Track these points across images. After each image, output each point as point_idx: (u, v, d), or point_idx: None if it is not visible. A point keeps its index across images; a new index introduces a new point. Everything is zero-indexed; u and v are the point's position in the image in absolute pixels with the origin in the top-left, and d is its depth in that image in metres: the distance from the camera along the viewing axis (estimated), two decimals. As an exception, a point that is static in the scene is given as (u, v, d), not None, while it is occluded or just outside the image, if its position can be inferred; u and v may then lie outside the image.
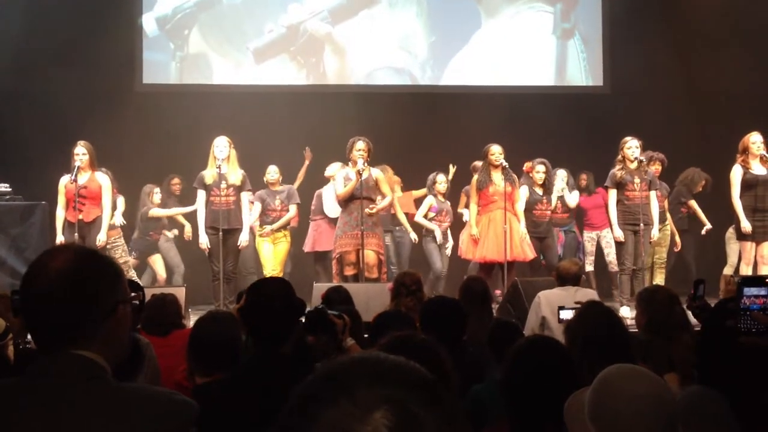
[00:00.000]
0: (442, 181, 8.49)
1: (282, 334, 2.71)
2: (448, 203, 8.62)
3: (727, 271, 7.97)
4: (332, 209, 8.08)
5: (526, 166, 8.08)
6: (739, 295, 2.73)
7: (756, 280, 2.90)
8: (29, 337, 3.18)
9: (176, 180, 9.08)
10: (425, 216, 8.45)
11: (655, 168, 8.05)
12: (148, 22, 10.06)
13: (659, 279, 8.09)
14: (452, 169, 8.86)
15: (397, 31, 10.36)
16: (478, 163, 8.34)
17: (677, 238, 8.49)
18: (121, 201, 8.22)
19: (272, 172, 8.16)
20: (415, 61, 10.40)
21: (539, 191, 7.98)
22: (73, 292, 1.58)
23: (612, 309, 3.19)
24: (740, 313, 2.66)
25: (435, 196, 8.48)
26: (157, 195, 8.71)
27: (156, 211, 8.65)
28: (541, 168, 7.98)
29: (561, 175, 8.27)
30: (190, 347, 3.21)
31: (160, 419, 1.55)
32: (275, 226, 8.04)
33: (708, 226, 8.54)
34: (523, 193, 7.84)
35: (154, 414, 1.55)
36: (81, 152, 6.98)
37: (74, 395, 1.54)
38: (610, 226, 7.63)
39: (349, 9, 10.27)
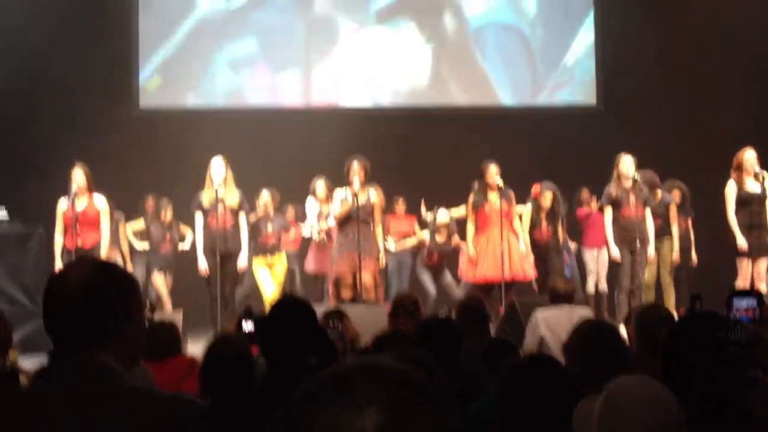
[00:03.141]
0: (442, 217, 8.44)
1: (299, 353, 2.72)
2: (453, 241, 8.48)
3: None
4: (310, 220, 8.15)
5: (534, 190, 8.01)
6: (729, 307, 2.76)
7: (745, 293, 2.92)
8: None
9: (150, 198, 9.04)
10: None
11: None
12: (144, 45, 10.14)
13: (669, 299, 7.96)
14: (423, 207, 8.74)
15: (393, 50, 10.43)
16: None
17: (676, 255, 8.40)
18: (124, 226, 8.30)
19: (266, 197, 8.13)
20: (410, 83, 10.49)
21: (541, 215, 7.93)
22: (90, 298, 1.69)
23: (609, 323, 3.20)
24: (730, 325, 2.68)
25: (433, 237, 8.47)
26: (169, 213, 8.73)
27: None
28: (548, 194, 7.95)
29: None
30: (205, 370, 3.23)
31: (174, 417, 1.65)
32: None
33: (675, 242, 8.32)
34: (526, 215, 7.84)
35: (169, 413, 1.65)
36: (78, 176, 6.95)
37: (92, 398, 1.64)
38: (607, 245, 7.62)
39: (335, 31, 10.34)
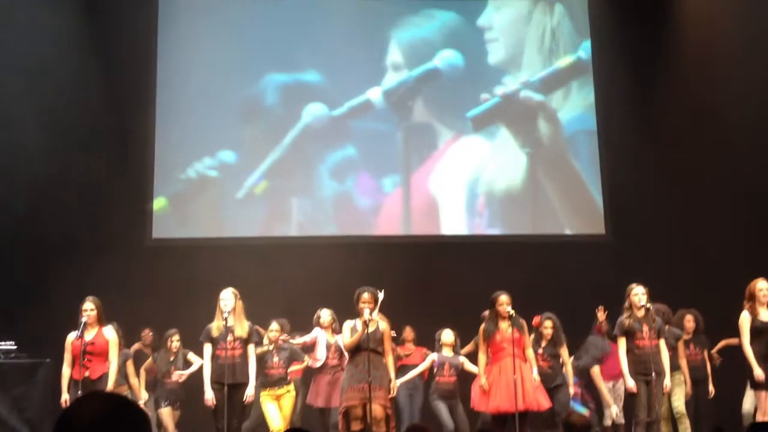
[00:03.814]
0: (447, 334, 8.44)
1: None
2: (459, 358, 8.45)
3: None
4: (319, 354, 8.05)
5: (535, 320, 8.09)
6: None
7: (765, 426, 2.85)
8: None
9: (147, 330, 8.96)
10: (432, 371, 8.41)
11: (690, 325, 8.17)
12: (160, 185, 10.35)
13: (686, 431, 7.86)
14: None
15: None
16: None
17: (688, 387, 8.27)
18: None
19: (273, 330, 8.04)
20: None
21: (542, 343, 8.02)
22: None
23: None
24: None
25: (441, 352, 8.43)
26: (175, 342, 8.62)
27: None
28: (548, 324, 8.07)
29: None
30: None
31: None
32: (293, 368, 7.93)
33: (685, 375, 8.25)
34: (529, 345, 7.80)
35: None
36: (89, 308, 6.98)
37: None
38: (623, 376, 7.49)
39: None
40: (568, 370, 8.11)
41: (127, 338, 8.19)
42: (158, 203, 10.33)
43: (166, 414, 8.53)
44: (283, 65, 10.73)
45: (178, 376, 8.47)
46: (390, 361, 7.34)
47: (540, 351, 7.97)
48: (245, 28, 10.79)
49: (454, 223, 10.66)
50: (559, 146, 10.90)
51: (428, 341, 8.69)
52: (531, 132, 10.86)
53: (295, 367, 8.00)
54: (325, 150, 10.64)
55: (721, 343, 8.58)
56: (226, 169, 10.49)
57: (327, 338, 8.10)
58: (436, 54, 10.94)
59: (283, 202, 10.54)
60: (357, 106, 10.75)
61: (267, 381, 7.75)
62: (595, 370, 8.33)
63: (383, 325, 7.34)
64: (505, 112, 10.88)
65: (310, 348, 8.26)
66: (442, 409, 8.25)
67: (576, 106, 11.01)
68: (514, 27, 11.10)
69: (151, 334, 9.03)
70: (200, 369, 7.51)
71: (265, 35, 10.76)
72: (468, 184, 10.72)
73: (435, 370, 8.37)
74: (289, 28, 10.77)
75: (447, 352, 8.43)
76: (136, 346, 8.96)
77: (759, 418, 7.11)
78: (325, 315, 8.13)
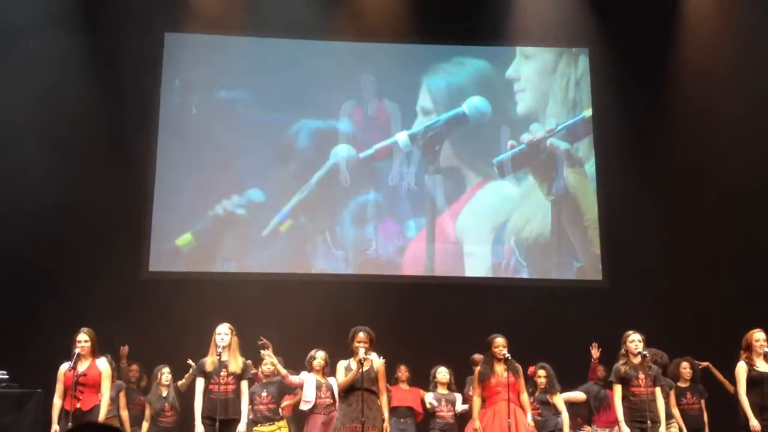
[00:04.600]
0: (442, 373, 8.44)
1: None
2: (455, 395, 8.47)
3: None
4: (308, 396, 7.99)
5: (530, 370, 8.12)
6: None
7: None
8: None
9: (135, 366, 8.87)
10: (430, 409, 8.35)
11: (687, 372, 8.21)
12: (158, 211, 10.38)
13: None
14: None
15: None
16: (477, 356, 8.38)
17: None
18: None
19: (267, 365, 8.00)
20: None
21: (536, 393, 8.04)
22: None
23: None
24: None
25: (435, 390, 8.38)
26: (165, 375, 8.52)
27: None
28: (542, 372, 8.12)
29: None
30: None
31: None
32: (285, 404, 7.85)
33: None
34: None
35: None
36: (83, 339, 6.94)
37: None
38: (618, 423, 7.46)
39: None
40: (564, 418, 8.07)
41: (120, 370, 8.12)
42: (183, 239, 10.40)
43: None
44: (316, 111, 10.94)
45: (180, 384, 8.35)
46: (384, 400, 7.31)
47: (531, 399, 7.94)
48: (276, 72, 10.95)
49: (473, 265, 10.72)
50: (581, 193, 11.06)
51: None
52: (556, 179, 11.04)
53: (286, 402, 7.93)
54: (350, 191, 10.77)
55: (705, 364, 8.54)
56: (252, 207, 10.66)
57: (317, 379, 8.03)
58: (464, 100, 11.16)
59: (304, 240, 10.65)
60: (383, 148, 10.92)
61: (256, 417, 7.69)
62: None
63: (377, 363, 7.33)
64: (532, 158, 11.07)
65: (291, 389, 8.15)
66: None
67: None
68: (541, 77, 11.34)
69: (138, 370, 8.90)
70: (192, 403, 7.44)
71: (296, 79, 10.95)
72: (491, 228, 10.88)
73: (430, 406, 8.34)
74: (323, 73, 10.98)
75: (442, 390, 8.39)
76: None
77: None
78: (319, 357, 8.06)
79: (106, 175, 9.82)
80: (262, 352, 7.78)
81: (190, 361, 8.15)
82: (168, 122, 10.70)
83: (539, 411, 7.99)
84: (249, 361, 7.48)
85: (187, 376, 8.31)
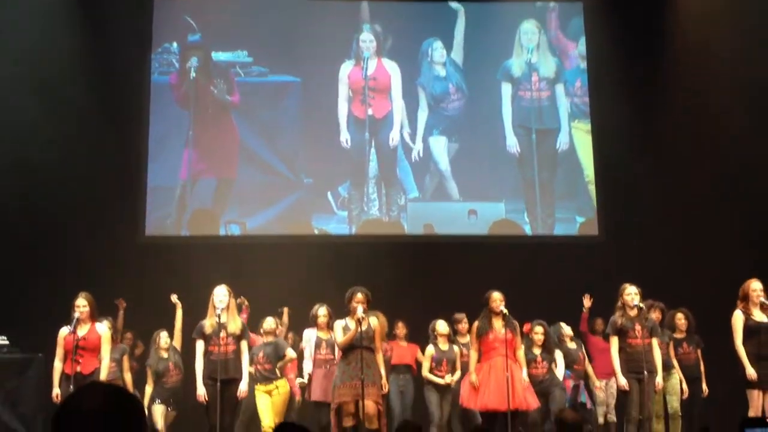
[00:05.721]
0: (442, 326, 8.46)
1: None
2: (455, 348, 8.48)
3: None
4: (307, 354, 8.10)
5: (525, 327, 8.12)
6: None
7: (757, 421, 2.88)
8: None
9: (129, 334, 8.88)
10: (430, 369, 8.40)
11: (656, 315, 8.06)
12: (151, 174, 10.36)
13: (677, 430, 7.87)
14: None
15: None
16: (459, 315, 8.54)
17: (684, 386, 8.30)
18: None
19: (269, 322, 8.07)
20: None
21: (536, 351, 8.03)
22: (106, 428, 1.68)
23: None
24: None
25: (436, 343, 8.44)
26: (164, 338, 8.57)
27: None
28: (539, 329, 8.12)
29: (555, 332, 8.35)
30: None
31: None
32: (280, 365, 7.93)
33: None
34: (520, 352, 7.81)
35: None
36: (82, 304, 6.95)
37: None
38: (614, 374, 7.53)
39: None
40: (560, 365, 8.15)
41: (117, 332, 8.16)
42: (179, 204, 10.34)
43: (159, 412, 8.48)
44: (315, 70, 10.90)
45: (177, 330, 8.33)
46: (380, 358, 7.39)
47: (537, 357, 7.96)
48: (275, 32, 10.90)
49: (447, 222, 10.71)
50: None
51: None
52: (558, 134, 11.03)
53: (283, 362, 7.97)
54: (351, 152, 10.71)
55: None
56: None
57: (318, 336, 8.09)
58: (464, 56, 11.13)
59: (305, 201, 10.62)
60: (384, 107, 10.84)
61: (254, 377, 7.77)
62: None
63: (374, 322, 7.41)
64: (531, 113, 11.03)
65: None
66: (432, 399, 8.29)
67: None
68: (536, 33, 11.29)
69: (132, 338, 8.93)
70: (192, 364, 7.50)
71: (295, 38, 10.89)
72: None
73: (426, 380, 8.38)
74: (321, 32, 10.93)
75: (442, 344, 8.43)
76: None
77: (751, 415, 7.13)
78: (321, 313, 8.13)
79: (102, 134, 9.74)
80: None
81: (174, 298, 8.24)
82: (160, 84, 10.64)
83: (547, 369, 8.00)
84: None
85: (178, 318, 8.42)
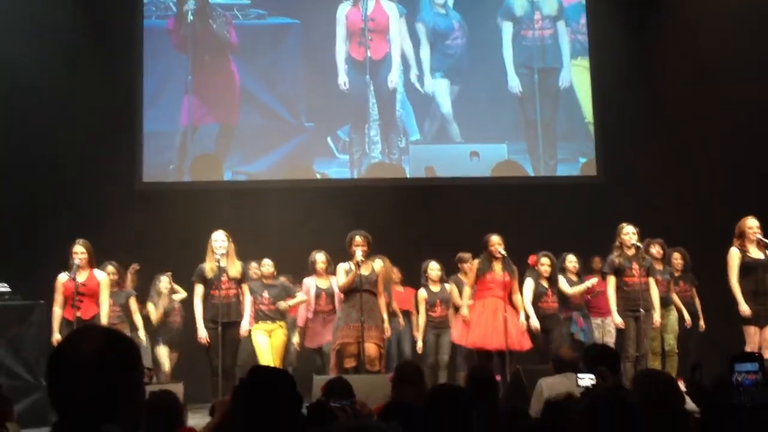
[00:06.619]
0: (434, 269, 8.44)
1: (284, 430, 2.65)
2: (447, 286, 8.49)
3: None
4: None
5: (531, 259, 8.06)
6: (731, 372, 2.75)
7: (746, 356, 2.90)
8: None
9: (135, 265, 8.73)
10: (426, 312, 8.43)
11: (657, 250, 8.08)
12: (149, 120, 10.28)
13: (672, 367, 7.96)
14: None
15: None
16: (464, 254, 8.54)
17: (686, 315, 8.34)
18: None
19: (267, 265, 8.11)
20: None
21: (545, 284, 7.96)
22: (103, 370, 1.68)
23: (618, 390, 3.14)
24: (734, 389, 2.67)
25: (427, 285, 8.46)
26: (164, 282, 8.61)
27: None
28: (546, 261, 7.99)
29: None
30: None
31: None
32: (291, 303, 7.99)
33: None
34: (529, 286, 7.83)
35: None
36: (80, 251, 6.99)
37: None
38: (611, 312, 7.59)
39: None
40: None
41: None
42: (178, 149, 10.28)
43: (164, 354, 8.58)
44: (313, 12, 10.67)
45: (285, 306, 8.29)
46: (382, 302, 7.45)
47: (548, 291, 7.91)
48: None
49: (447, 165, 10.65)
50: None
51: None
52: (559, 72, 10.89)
53: (287, 303, 8.00)
54: (350, 95, 10.56)
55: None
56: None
57: (317, 286, 8.12)
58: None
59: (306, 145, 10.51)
60: (383, 49, 10.67)
61: (257, 316, 7.85)
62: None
63: (378, 266, 7.45)
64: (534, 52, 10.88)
65: (292, 291, 8.25)
66: (428, 341, 8.35)
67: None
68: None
69: (137, 269, 8.90)
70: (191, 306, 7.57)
71: None
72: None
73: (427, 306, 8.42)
74: None
75: (433, 286, 8.45)
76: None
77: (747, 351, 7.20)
78: (320, 260, 8.15)
79: (96, 80, 9.63)
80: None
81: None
82: (158, 28, 10.51)
83: (557, 304, 7.95)
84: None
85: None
